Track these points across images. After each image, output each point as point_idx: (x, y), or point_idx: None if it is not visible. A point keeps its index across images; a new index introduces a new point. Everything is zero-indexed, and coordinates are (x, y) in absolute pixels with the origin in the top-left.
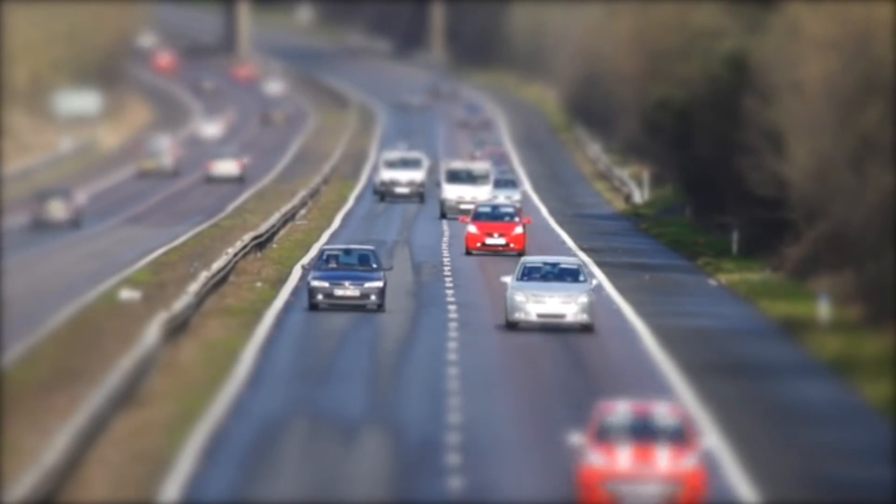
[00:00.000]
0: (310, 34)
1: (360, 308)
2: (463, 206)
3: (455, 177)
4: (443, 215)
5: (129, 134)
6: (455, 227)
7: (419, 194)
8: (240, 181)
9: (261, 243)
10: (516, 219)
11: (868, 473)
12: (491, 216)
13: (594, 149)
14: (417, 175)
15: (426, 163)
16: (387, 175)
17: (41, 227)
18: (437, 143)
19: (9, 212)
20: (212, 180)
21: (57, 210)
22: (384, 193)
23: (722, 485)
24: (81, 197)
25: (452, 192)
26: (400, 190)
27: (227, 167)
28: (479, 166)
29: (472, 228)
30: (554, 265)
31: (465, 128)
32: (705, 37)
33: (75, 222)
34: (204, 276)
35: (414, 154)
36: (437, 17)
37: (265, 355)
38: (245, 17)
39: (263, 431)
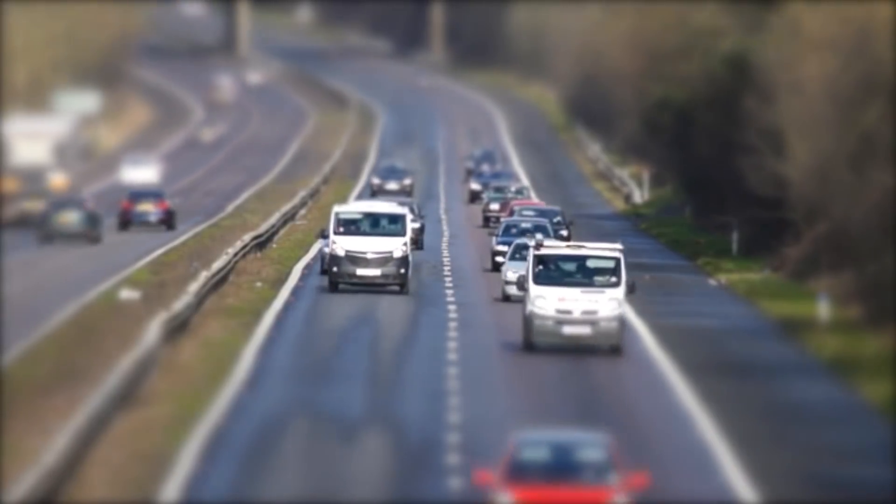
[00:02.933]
0: (310, 34)
1: None
2: (570, 332)
3: (553, 269)
4: (528, 345)
5: (130, 134)
6: (456, 227)
7: (399, 279)
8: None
9: (261, 243)
10: (609, 478)
11: (868, 473)
12: (554, 470)
13: (594, 149)
14: (396, 245)
15: (410, 221)
16: (346, 243)
17: (193, 146)
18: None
19: (170, 136)
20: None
21: (207, 134)
22: (337, 277)
23: (722, 484)
24: (222, 126)
25: (550, 302)
26: (365, 272)
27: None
28: (602, 249)
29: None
30: None
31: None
32: (705, 36)
33: (217, 144)
34: (204, 275)
35: (392, 206)
36: (437, 17)
37: (265, 355)
38: (245, 17)
39: (263, 431)
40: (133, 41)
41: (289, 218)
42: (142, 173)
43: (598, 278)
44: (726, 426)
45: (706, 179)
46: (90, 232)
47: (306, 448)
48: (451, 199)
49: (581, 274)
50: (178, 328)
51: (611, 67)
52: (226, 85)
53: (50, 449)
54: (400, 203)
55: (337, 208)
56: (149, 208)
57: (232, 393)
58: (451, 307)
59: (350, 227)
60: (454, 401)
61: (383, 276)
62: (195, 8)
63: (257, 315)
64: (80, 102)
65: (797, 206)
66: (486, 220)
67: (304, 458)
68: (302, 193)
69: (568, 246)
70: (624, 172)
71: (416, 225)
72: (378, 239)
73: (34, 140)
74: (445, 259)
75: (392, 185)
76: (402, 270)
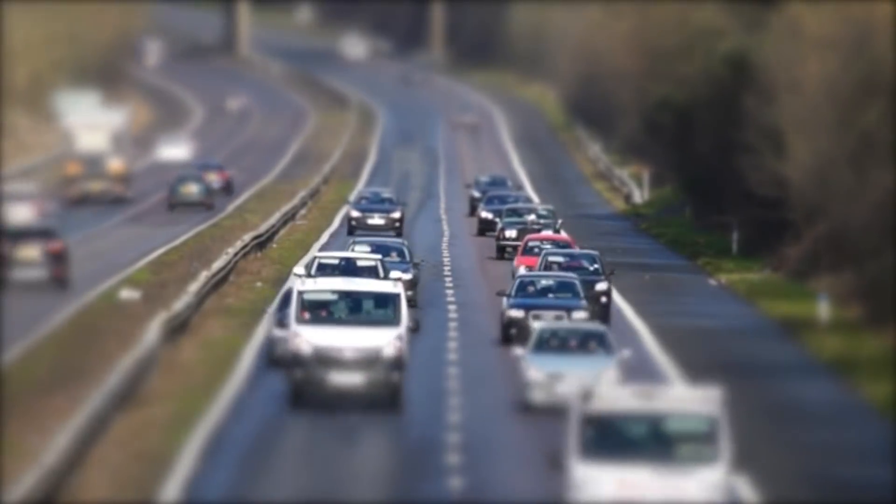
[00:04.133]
0: (310, 34)
1: None
2: None
3: (611, 435)
4: None
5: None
6: (456, 227)
7: (389, 389)
8: None
9: (261, 243)
10: None
11: (868, 473)
12: None
13: (594, 149)
14: (387, 339)
15: (402, 271)
16: (315, 336)
17: (220, 116)
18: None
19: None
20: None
21: (232, 104)
22: (304, 385)
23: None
24: (245, 96)
25: (604, 487)
26: (342, 379)
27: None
28: (689, 401)
29: None
30: None
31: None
32: (705, 36)
33: (243, 114)
34: (204, 275)
35: (380, 283)
36: (437, 16)
37: (265, 354)
38: (245, 17)
39: (263, 431)
40: (133, 41)
41: (289, 218)
42: (176, 151)
43: (683, 449)
44: (607, 264)
45: (706, 179)
46: (207, 200)
47: (306, 448)
48: (451, 199)
49: (655, 442)
50: (178, 328)
51: (611, 67)
52: (153, 50)
53: (50, 449)
54: (382, 249)
55: (300, 285)
56: (213, 178)
57: (232, 393)
58: (451, 307)
59: (319, 311)
60: (454, 401)
61: (369, 384)
62: (357, 50)
63: (257, 315)
64: (80, 102)
65: (797, 206)
66: (501, 250)
67: (304, 457)
68: (302, 193)
69: (635, 394)
70: (624, 172)
71: (408, 276)
72: (360, 330)
73: (94, 130)
74: (445, 259)
75: (376, 220)
76: (395, 377)
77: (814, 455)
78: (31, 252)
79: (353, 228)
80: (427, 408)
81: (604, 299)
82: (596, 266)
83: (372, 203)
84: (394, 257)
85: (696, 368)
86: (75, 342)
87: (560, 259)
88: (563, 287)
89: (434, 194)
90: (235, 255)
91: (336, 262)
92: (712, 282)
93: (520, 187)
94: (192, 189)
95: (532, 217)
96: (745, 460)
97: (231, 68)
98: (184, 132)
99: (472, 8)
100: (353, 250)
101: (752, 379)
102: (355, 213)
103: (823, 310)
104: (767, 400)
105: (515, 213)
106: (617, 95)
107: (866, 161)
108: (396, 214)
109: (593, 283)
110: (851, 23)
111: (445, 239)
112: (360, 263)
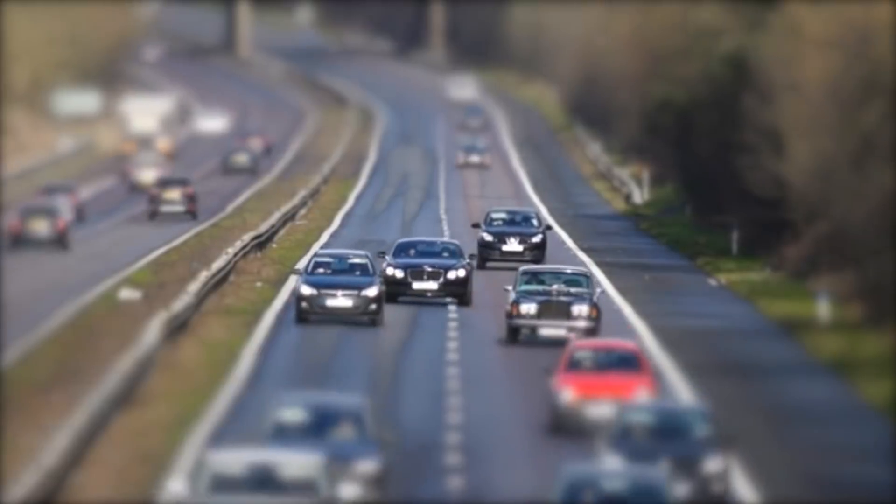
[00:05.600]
0: (310, 34)
1: None
2: None
3: None
4: None
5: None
6: (455, 227)
7: None
8: None
9: (261, 243)
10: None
11: (868, 473)
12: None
13: (594, 149)
14: None
15: (363, 455)
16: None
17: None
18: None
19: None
20: None
21: (149, 55)
22: None
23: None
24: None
25: None
26: None
27: None
28: None
29: None
30: None
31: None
32: (706, 37)
33: (161, 65)
34: (204, 275)
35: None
36: (437, 16)
37: (265, 355)
38: (245, 17)
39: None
40: (133, 42)
41: (289, 218)
42: (213, 124)
43: None
44: (727, 426)
45: (706, 179)
46: (254, 167)
47: None
48: (451, 199)
49: None
50: (178, 328)
51: (611, 68)
52: (152, 52)
53: (49, 449)
54: (326, 415)
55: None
56: (255, 142)
57: (232, 393)
58: (451, 307)
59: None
60: (454, 401)
61: None
62: (467, 91)
63: (257, 315)
64: (80, 102)
65: (797, 206)
66: (514, 332)
67: None
68: (302, 193)
69: None
70: (624, 172)
71: (371, 465)
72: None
73: (146, 114)
74: None
75: (340, 301)
76: None
77: (813, 455)
78: (173, 194)
79: (305, 314)
80: (427, 408)
81: (716, 489)
82: (704, 430)
83: (334, 274)
84: (345, 430)
85: (696, 368)
86: (75, 342)
87: (646, 418)
88: (642, 492)
89: (434, 194)
90: (235, 255)
91: (245, 472)
92: (712, 282)
93: (549, 227)
94: (242, 158)
95: (557, 286)
96: (745, 460)
97: (231, 68)
98: (218, 106)
99: (472, 8)
100: (278, 420)
101: (751, 379)
102: (307, 291)
103: (823, 310)
104: (767, 400)
105: (536, 278)
106: (617, 96)
107: (866, 161)
108: (371, 292)
109: (696, 459)
110: (851, 23)
111: (446, 239)
112: (287, 472)
